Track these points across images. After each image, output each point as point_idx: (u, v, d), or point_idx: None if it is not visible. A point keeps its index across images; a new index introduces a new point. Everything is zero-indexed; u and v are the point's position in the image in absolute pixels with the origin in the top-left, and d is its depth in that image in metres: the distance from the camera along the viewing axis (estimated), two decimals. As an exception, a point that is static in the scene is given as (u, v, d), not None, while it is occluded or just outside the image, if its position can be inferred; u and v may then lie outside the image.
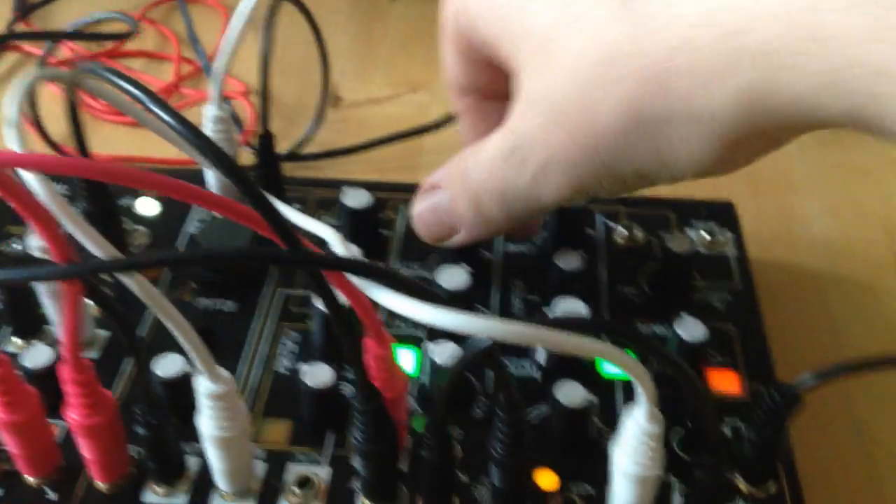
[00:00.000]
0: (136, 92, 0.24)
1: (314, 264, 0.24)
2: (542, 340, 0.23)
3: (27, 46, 0.57)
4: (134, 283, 0.23)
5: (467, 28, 0.29)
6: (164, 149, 0.52)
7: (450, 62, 0.32)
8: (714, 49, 0.22)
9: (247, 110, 0.52)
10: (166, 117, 0.23)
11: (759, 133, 0.23)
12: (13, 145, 0.24)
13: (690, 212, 0.41)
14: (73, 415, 0.28)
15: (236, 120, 0.52)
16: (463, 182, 0.30)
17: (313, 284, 0.24)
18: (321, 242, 0.29)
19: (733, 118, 0.22)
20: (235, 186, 0.23)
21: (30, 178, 0.22)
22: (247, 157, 0.49)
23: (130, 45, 0.58)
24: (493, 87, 0.32)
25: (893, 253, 0.44)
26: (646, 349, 0.25)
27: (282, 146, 0.50)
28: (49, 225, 0.22)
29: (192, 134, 0.23)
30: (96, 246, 0.23)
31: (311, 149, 0.50)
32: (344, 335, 0.25)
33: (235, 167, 0.23)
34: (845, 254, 0.44)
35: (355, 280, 0.24)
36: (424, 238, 0.33)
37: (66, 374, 0.27)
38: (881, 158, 0.50)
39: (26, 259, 0.24)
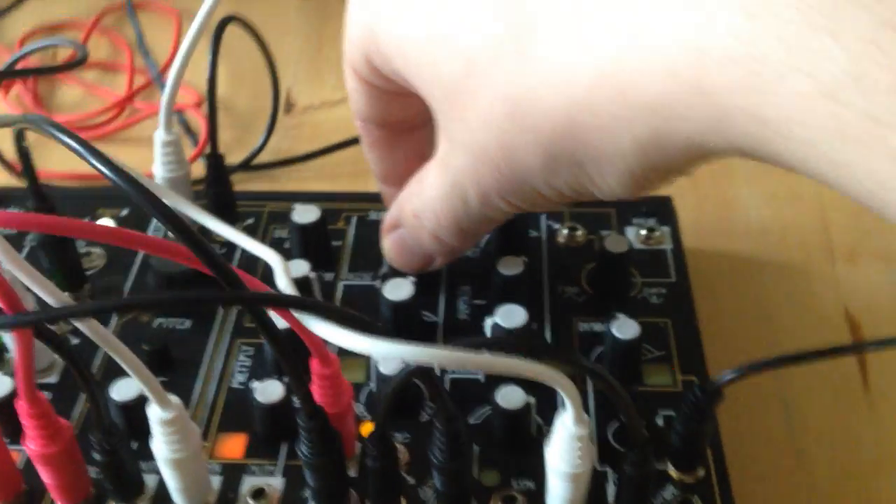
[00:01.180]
0: (76, 146, 0.25)
1: (252, 302, 0.25)
2: (469, 363, 0.24)
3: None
4: (86, 327, 0.25)
5: (375, 58, 0.30)
6: (124, 161, 0.53)
7: (354, 93, 0.32)
8: (611, 108, 0.23)
9: (199, 122, 0.53)
10: (105, 170, 0.24)
11: (665, 167, 0.25)
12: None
13: (630, 209, 0.43)
14: (32, 445, 0.29)
15: (189, 131, 0.53)
16: (418, 222, 0.32)
17: (254, 318, 0.25)
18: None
19: (638, 159, 0.24)
20: (173, 234, 0.24)
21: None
22: (202, 170, 0.50)
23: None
24: (401, 117, 0.33)
25: (826, 238, 0.46)
26: (570, 364, 0.27)
27: (236, 155, 0.52)
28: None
29: (129, 184, 0.24)
30: (47, 293, 0.24)
31: (265, 156, 0.51)
32: (285, 362, 0.27)
33: (169, 214, 0.24)
34: (780, 240, 0.46)
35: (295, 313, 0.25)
36: (406, 271, 0.36)
37: (22, 409, 0.28)
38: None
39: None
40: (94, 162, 0.24)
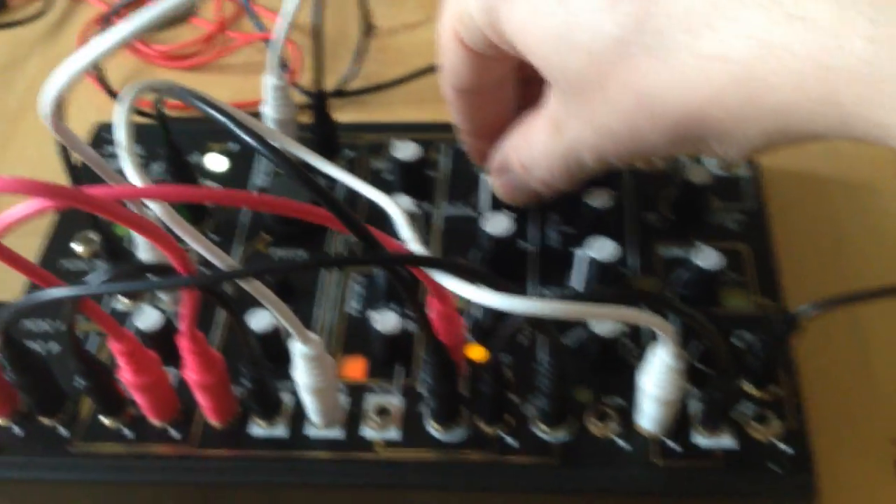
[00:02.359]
0: (220, 117, 0.28)
1: (394, 263, 0.28)
2: (576, 313, 0.28)
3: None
4: (248, 285, 0.28)
5: (491, 33, 0.32)
6: (217, 92, 0.56)
7: (456, 61, 0.34)
8: (742, 108, 0.26)
9: (289, 50, 0.55)
10: (251, 141, 0.28)
11: (784, 144, 0.28)
12: (130, 174, 0.29)
13: (707, 133, 0.45)
14: (193, 375, 0.34)
15: (283, 64, 0.56)
16: (527, 172, 0.35)
17: (392, 276, 0.29)
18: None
19: (762, 142, 0.27)
20: (320, 200, 0.27)
21: (155, 207, 0.27)
22: (297, 98, 0.53)
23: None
24: (496, 79, 0.35)
25: (894, 154, 0.48)
26: (662, 306, 0.30)
27: (326, 83, 0.54)
28: (173, 246, 0.27)
29: (275, 156, 0.27)
30: (216, 258, 0.28)
31: (354, 82, 0.54)
32: (415, 310, 0.30)
33: (317, 187, 0.27)
34: (854, 158, 0.48)
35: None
36: (516, 205, 0.40)
37: (184, 345, 0.33)
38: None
39: (158, 269, 0.29)
40: (240, 133, 0.28)
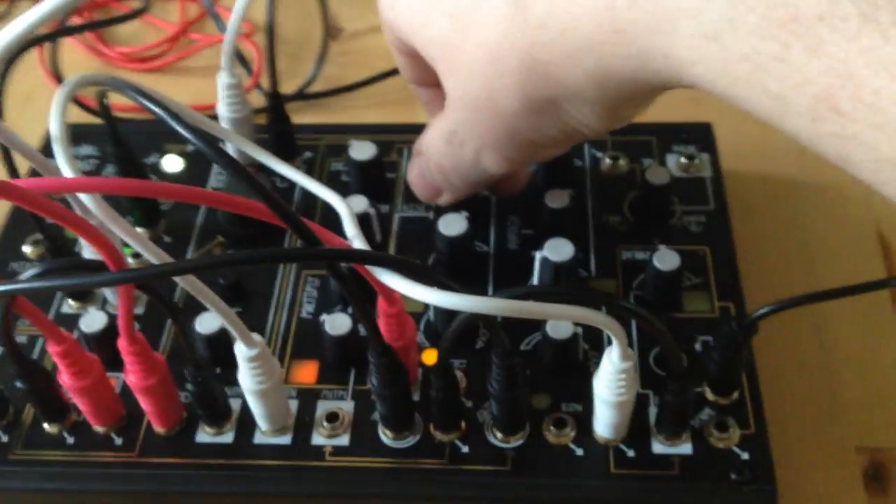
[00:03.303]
0: (160, 112, 0.28)
1: (331, 258, 0.27)
2: (523, 312, 0.27)
3: None
4: (184, 282, 0.27)
5: (394, 27, 0.33)
6: (178, 95, 0.55)
7: (398, 61, 0.37)
8: (560, 46, 0.27)
9: (252, 52, 0.55)
10: (189, 135, 0.27)
11: (627, 98, 0.28)
12: (63, 166, 0.28)
13: (671, 136, 0.45)
14: (133, 378, 0.33)
15: (243, 61, 0.55)
16: (427, 157, 0.36)
17: (330, 272, 0.28)
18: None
19: (597, 93, 0.28)
20: (257, 196, 0.26)
21: (85, 199, 0.26)
22: (257, 99, 0.52)
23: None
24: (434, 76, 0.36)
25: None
26: (613, 306, 0.29)
27: (288, 83, 0.54)
28: (102, 241, 0.26)
29: (211, 150, 0.27)
30: (150, 253, 0.27)
31: (316, 85, 0.53)
32: (355, 305, 0.29)
33: (252, 180, 0.26)
34: (817, 160, 0.47)
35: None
36: (420, 197, 0.39)
37: (123, 347, 0.31)
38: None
39: (89, 266, 0.28)
40: (173, 123, 0.27)
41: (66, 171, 0.27)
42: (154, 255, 0.27)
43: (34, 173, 0.35)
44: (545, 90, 0.29)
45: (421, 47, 0.32)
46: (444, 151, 0.34)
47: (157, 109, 0.27)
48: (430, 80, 0.36)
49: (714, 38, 0.23)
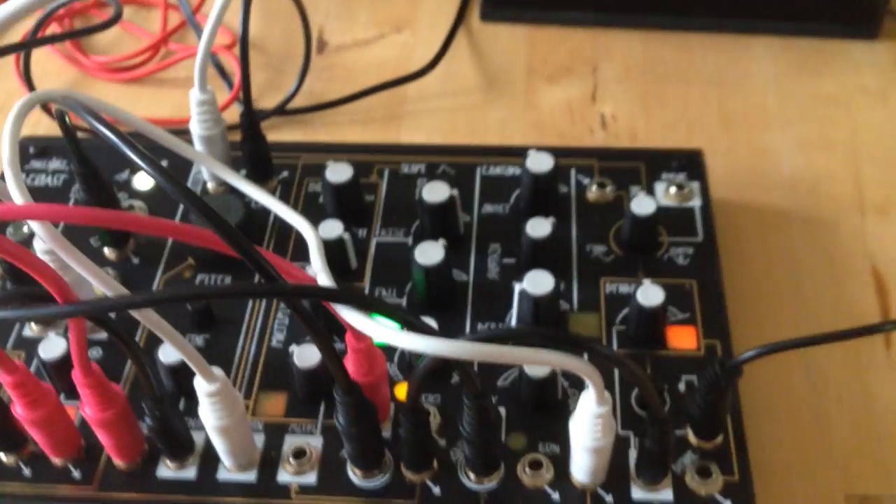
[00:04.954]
0: (110, 135, 0.26)
1: (290, 296, 0.26)
2: (496, 357, 0.25)
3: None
4: (140, 315, 0.26)
5: None
6: (157, 107, 0.54)
7: None
8: None
9: (234, 65, 0.53)
10: (141, 163, 0.25)
11: None
12: (14, 191, 0.26)
13: (661, 163, 0.43)
14: (88, 411, 0.31)
15: (224, 74, 0.53)
16: None
17: (292, 309, 0.27)
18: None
19: None
20: (216, 232, 0.25)
21: (35, 227, 0.25)
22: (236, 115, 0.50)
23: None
24: None
25: (857, 190, 0.46)
26: (589, 351, 0.28)
27: (270, 97, 0.53)
28: (48, 274, 0.25)
29: (165, 180, 0.25)
30: (103, 285, 0.25)
31: (298, 99, 0.52)
32: (318, 343, 0.28)
33: (212, 214, 0.25)
34: (811, 191, 0.46)
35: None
36: None
37: (78, 380, 0.30)
38: (853, 86, 0.51)
39: (41, 296, 0.27)
40: (130, 153, 0.25)
41: (16, 197, 0.26)
42: (108, 287, 0.26)
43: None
44: None
45: None
46: None
47: (108, 134, 0.26)
48: None
49: None
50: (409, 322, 0.25)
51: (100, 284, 0.26)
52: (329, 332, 0.32)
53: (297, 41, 0.52)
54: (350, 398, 0.30)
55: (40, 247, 0.34)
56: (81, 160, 0.36)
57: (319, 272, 0.29)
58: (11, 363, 0.30)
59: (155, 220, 0.24)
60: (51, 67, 0.55)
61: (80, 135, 0.38)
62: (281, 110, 0.50)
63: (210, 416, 0.31)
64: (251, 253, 0.25)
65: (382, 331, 0.25)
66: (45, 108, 0.51)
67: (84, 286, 0.35)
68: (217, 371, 0.30)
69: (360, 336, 0.31)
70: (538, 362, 0.26)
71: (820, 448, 0.37)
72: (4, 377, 0.30)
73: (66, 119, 0.33)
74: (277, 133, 0.50)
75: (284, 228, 0.41)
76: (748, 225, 0.44)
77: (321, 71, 0.54)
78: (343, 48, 0.56)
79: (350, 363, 0.31)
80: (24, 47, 0.46)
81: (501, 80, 0.53)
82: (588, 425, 0.29)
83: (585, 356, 0.32)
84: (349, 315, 0.26)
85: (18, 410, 0.31)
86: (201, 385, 0.30)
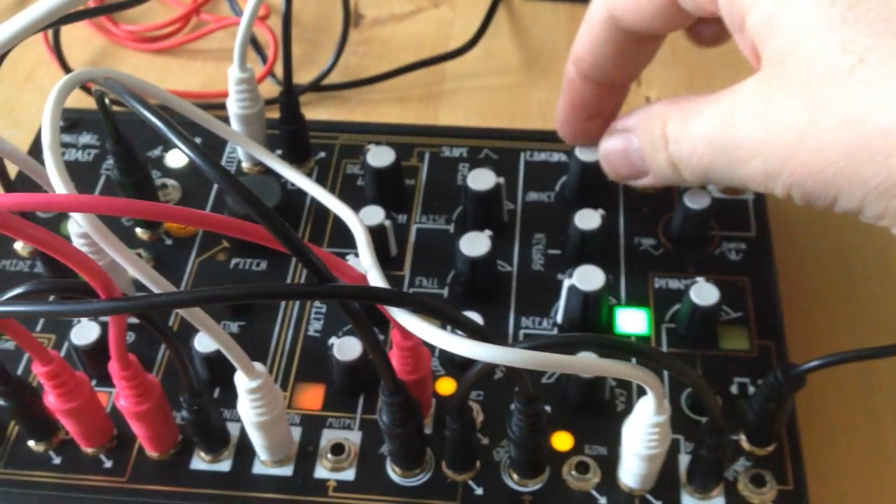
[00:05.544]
0: (153, 119, 0.25)
1: (343, 297, 0.25)
2: (552, 365, 0.24)
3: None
4: (186, 312, 0.25)
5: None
6: (188, 79, 0.52)
7: (596, 42, 0.32)
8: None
9: (268, 37, 0.51)
10: (185, 149, 0.24)
11: None
12: (55, 179, 0.25)
13: (711, 152, 0.41)
14: (124, 403, 0.30)
15: (257, 46, 0.52)
16: (665, 146, 0.30)
17: (344, 311, 0.25)
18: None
19: None
20: (267, 228, 0.24)
21: (80, 219, 0.24)
22: (271, 89, 0.49)
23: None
24: (631, 69, 0.33)
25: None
26: (649, 358, 0.27)
27: (304, 72, 0.51)
28: (91, 267, 0.24)
29: (212, 170, 0.24)
30: (153, 283, 0.24)
31: (333, 76, 0.50)
32: (367, 343, 0.27)
33: (265, 211, 0.23)
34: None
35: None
36: (608, 174, 0.34)
37: (114, 371, 0.29)
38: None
39: (78, 288, 0.26)
40: (174, 138, 0.24)
41: (58, 187, 0.24)
42: (152, 282, 0.24)
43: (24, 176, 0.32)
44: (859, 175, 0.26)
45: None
46: (707, 153, 0.28)
47: (151, 117, 0.24)
48: (618, 75, 0.34)
49: None
50: (472, 328, 0.24)
51: (143, 278, 0.25)
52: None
53: (333, 14, 0.51)
54: (396, 398, 0.29)
55: (75, 230, 0.33)
56: (118, 140, 0.35)
57: (370, 269, 0.27)
58: (46, 353, 0.29)
59: (207, 215, 0.23)
60: (78, 35, 0.54)
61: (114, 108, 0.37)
62: (316, 85, 0.49)
63: (250, 412, 0.30)
64: (304, 252, 0.23)
65: (441, 336, 0.24)
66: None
67: (117, 269, 0.34)
68: (259, 367, 0.29)
69: (407, 335, 0.30)
70: (602, 373, 0.25)
71: (877, 457, 0.35)
72: (39, 368, 0.29)
73: (105, 100, 0.32)
74: (311, 109, 0.49)
75: (321, 210, 0.40)
76: (801, 220, 0.43)
77: (356, 45, 0.52)
78: (379, 22, 0.54)
79: (395, 360, 0.30)
80: (59, 23, 0.44)
81: (544, 59, 0.51)
82: (644, 433, 0.28)
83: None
84: (404, 318, 0.24)
85: (51, 400, 0.30)
86: (242, 381, 0.29)
